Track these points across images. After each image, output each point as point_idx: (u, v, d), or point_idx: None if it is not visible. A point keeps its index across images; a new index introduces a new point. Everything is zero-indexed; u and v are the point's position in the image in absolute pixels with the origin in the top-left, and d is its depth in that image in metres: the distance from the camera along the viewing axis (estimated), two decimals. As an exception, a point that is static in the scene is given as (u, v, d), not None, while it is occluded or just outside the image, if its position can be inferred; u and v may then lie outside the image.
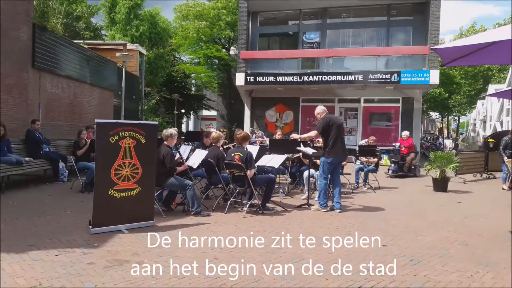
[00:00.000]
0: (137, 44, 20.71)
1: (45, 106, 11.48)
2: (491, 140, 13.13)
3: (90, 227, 5.06)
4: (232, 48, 28.40)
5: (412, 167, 12.74)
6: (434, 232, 5.57)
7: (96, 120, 5.29)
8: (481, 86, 34.46)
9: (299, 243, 4.83)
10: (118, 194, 5.20)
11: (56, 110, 12.16)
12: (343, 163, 8.80)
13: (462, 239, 5.23)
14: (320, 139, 8.70)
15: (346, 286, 3.62)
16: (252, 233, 5.25)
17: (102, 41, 22.58)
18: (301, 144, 8.24)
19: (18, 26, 10.13)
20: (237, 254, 4.41)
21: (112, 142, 5.13)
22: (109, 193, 5.12)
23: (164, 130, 6.64)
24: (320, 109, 7.30)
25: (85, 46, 15.45)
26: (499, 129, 27.74)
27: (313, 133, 7.27)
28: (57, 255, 4.17)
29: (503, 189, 10.05)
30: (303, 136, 7.69)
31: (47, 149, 9.59)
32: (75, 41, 15.07)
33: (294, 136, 7.91)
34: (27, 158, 8.47)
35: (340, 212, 6.81)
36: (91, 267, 3.87)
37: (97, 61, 14.93)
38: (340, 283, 3.68)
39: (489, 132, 29.84)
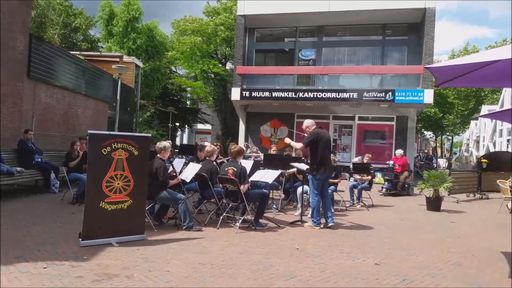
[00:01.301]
0: (134, 57, 20.79)
1: (39, 116, 11.42)
2: (484, 160, 13.21)
3: (80, 239, 4.99)
4: (228, 63, 28.59)
5: (406, 185, 12.75)
6: (427, 251, 5.54)
7: (89, 131, 5.25)
8: (473, 106, 34.82)
9: (291, 260, 4.79)
10: (109, 207, 5.13)
11: (50, 121, 12.10)
12: (337, 180, 8.81)
13: (455, 259, 5.20)
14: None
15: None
16: (244, 249, 5.22)
17: (98, 53, 22.63)
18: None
19: (14, 35, 10.14)
20: (228, 270, 4.34)
21: (104, 153, 5.09)
22: (100, 205, 5.06)
23: (158, 143, 6.60)
24: (309, 123, 7.23)
25: (82, 57, 15.48)
26: (492, 149, 27.97)
27: (298, 145, 7.13)
28: (45, 268, 4.09)
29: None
30: (292, 143, 7.38)
31: (39, 159, 9.51)
32: (72, 52, 15.09)
33: (286, 140, 7.50)
34: (18, 168, 8.39)
35: (333, 225, 6.78)
36: (79, 281, 3.79)
37: (93, 73, 14.94)
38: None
39: (482, 152, 30.06)
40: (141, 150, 5.44)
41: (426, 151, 49.36)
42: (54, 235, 5.52)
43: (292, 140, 7.57)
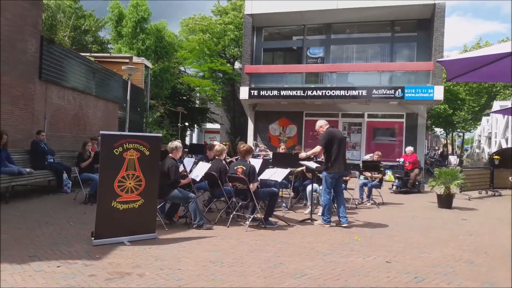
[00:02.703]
0: (143, 58, 20.91)
1: (50, 117, 11.56)
2: (496, 157, 13.06)
3: (92, 238, 5.05)
4: (236, 62, 28.63)
5: (416, 183, 12.66)
6: (439, 249, 5.51)
7: (101, 132, 5.31)
8: (485, 102, 34.39)
9: (302, 258, 4.80)
10: (121, 206, 5.19)
11: (61, 122, 12.24)
12: (347, 177, 8.78)
13: (467, 256, 5.17)
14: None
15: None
16: (255, 248, 5.24)
17: (108, 54, 22.80)
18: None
19: (26, 38, 10.26)
20: (238, 268, 4.37)
21: (116, 153, 5.15)
22: (112, 204, 5.12)
23: (170, 143, 6.65)
24: (322, 123, 7.21)
25: (92, 58, 15.61)
26: (504, 145, 27.57)
27: (317, 148, 7.05)
28: (58, 267, 4.15)
29: None
30: (309, 153, 7.47)
31: (52, 160, 9.63)
32: (82, 54, 15.24)
33: (302, 155, 7.75)
34: (28, 169, 8.42)
35: (347, 226, 6.76)
36: (92, 279, 3.85)
37: (103, 74, 15.07)
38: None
39: (494, 148, 29.61)
40: (152, 150, 5.49)
41: (437, 148, 48.85)
42: (67, 234, 5.60)
43: (301, 147, 7.61)
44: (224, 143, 11.12)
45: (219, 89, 28.61)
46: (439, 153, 35.09)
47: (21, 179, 8.21)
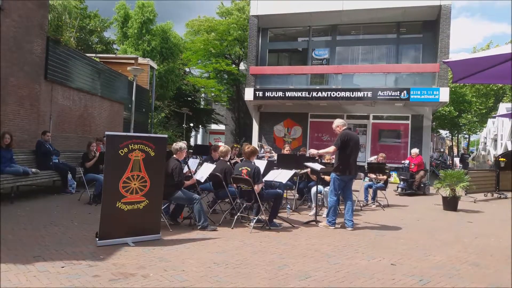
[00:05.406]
0: (148, 58, 20.98)
1: (56, 117, 11.61)
2: (502, 159, 12.97)
3: (97, 239, 5.05)
4: (241, 63, 28.67)
5: (422, 185, 12.60)
6: (444, 251, 5.47)
7: (106, 132, 5.31)
8: (492, 104, 34.17)
9: (306, 260, 4.78)
10: (126, 207, 5.19)
11: (66, 122, 12.30)
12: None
13: (472, 259, 5.13)
14: (327, 156, 8.67)
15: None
16: (259, 249, 5.23)
17: (114, 55, 22.92)
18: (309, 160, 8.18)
19: (32, 39, 10.32)
20: (243, 270, 4.36)
21: (122, 154, 5.15)
22: (117, 205, 5.12)
23: (174, 144, 6.65)
24: (339, 122, 7.07)
25: (97, 59, 15.67)
26: (510, 148, 27.38)
27: (331, 148, 6.88)
28: (63, 267, 4.16)
29: None
30: (321, 151, 7.26)
31: (57, 160, 9.66)
32: (88, 54, 15.31)
33: (312, 151, 7.62)
34: (33, 170, 8.44)
35: (351, 230, 6.72)
36: (96, 280, 3.85)
37: (109, 74, 15.13)
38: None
39: (500, 151, 29.43)
40: (158, 151, 5.49)
41: (442, 150, 48.56)
42: (71, 235, 5.61)
43: (307, 148, 7.50)
44: (234, 145, 11.12)
45: (225, 89, 28.67)
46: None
47: (26, 179, 8.24)
